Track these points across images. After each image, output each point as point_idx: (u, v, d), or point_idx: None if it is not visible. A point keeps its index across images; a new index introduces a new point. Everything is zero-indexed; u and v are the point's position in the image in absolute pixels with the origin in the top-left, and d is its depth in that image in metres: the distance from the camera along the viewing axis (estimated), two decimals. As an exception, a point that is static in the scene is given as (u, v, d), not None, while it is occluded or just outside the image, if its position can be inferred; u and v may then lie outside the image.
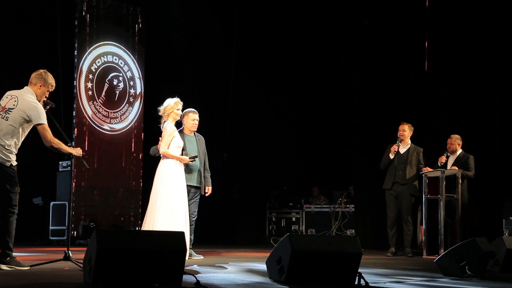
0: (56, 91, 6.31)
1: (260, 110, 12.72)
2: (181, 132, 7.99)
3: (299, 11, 12.70)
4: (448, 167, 9.13)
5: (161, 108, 7.47)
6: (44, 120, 5.81)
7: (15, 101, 5.81)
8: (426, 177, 9.00)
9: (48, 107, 6.14)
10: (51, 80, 6.01)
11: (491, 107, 10.38)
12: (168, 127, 7.40)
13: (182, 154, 7.56)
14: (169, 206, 7.16)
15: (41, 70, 6.00)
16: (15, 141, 5.81)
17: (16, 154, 5.85)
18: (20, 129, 5.81)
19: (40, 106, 5.86)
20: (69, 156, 6.12)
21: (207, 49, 12.40)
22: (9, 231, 5.71)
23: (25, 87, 5.95)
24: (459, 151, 9.28)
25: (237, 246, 11.32)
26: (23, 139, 5.90)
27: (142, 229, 7.36)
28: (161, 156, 7.45)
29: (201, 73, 12.43)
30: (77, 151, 6.04)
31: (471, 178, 9.14)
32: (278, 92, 13.12)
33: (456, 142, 9.28)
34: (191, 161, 7.61)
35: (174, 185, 7.28)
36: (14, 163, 5.82)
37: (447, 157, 9.24)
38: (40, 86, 5.95)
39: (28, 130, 5.90)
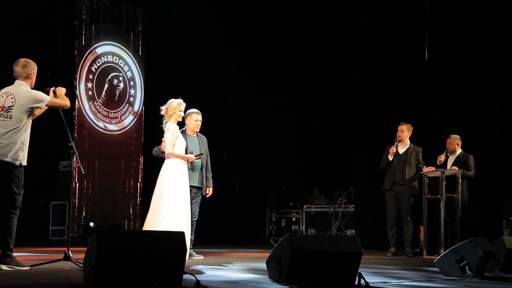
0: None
1: (260, 110, 12.72)
2: (183, 133, 7.99)
3: (299, 11, 12.70)
4: (448, 167, 9.12)
5: (164, 108, 7.48)
6: (47, 97, 5.88)
7: (12, 98, 5.82)
8: (426, 177, 9.00)
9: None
10: (35, 64, 6.06)
11: (491, 107, 10.38)
12: (171, 127, 7.40)
13: (186, 153, 7.59)
14: (173, 207, 7.17)
15: (23, 60, 5.99)
16: (23, 137, 5.82)
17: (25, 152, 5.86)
18: (25, 124, 5.82)
19: (36, 91, 5.91)
20: (69, 155, 6.13)
21: (207, 49, 12.40)
22: (10, 232, 5.72)
23: (16, 81, 5.95)
24: (459, 151, 9.27)
25: (237, 246, 11.31)
26: (29, 132, 5.92)
27: (143, 228, 7.37)
28: (166, 156, 7.46)
29: (201, 73, 12.43)
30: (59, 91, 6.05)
31: (471, 178, 9.12)
32: (278, 92, 13.12)
33: (455, 142, 9.27)
34: (197, 158, 7.64)
35: (178, 185, 7.29)
36: (24, 163, 5.83)
37: (447, 156, 9.23)
38: (33, 75, 6.00)
39: (30, 123, 5.92)
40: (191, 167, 7.88)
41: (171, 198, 7.20)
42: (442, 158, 9.14)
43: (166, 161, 7.46)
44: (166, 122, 7.48)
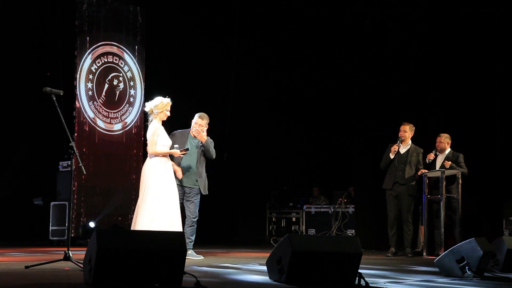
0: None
1: (260, 110, 12.72)
2: (186, 133, 7.95)
3: (300, 11, 12.70)
4: (437, 167, 9.11)
5: (151, 106, 7.30)
6: None
7: None
8: (426, 177, 9.00)
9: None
10: None
11: (491, 107, 10.37)
12: (151, 127, 7.30)
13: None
14: (152, 204, 7.07)
15: None
16: None
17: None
18: None
19: None
20: (69, 156, 6.13)
21: (207, 49, 12.39)
22: None
23: None
24: (448, 149, 9.27)
25: (237, 246, 11.31)
26: None
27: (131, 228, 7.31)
28: (148, 155, 7.37)
29: (201, 73, 12.43)
30: None
31: (465, 174, 9.10)
32: (278, 92, 13.12)
33: (445, 141, 9.27)
34: (183, 154, 7.53)
35: (159, 184, 7.19)
36: None
37: (436, 155, 9.22)
38: None
39: None
40: (184, 169, 7.78)
41: (150, 198, 7.08)
42: (431, 156, 9.15)
43: (146, 161, 7.37)
44: (152, 120, 7.35)
